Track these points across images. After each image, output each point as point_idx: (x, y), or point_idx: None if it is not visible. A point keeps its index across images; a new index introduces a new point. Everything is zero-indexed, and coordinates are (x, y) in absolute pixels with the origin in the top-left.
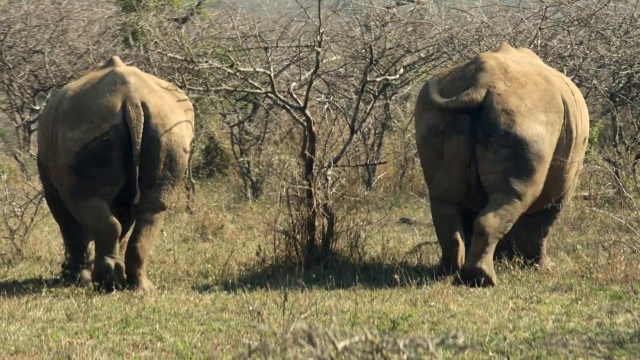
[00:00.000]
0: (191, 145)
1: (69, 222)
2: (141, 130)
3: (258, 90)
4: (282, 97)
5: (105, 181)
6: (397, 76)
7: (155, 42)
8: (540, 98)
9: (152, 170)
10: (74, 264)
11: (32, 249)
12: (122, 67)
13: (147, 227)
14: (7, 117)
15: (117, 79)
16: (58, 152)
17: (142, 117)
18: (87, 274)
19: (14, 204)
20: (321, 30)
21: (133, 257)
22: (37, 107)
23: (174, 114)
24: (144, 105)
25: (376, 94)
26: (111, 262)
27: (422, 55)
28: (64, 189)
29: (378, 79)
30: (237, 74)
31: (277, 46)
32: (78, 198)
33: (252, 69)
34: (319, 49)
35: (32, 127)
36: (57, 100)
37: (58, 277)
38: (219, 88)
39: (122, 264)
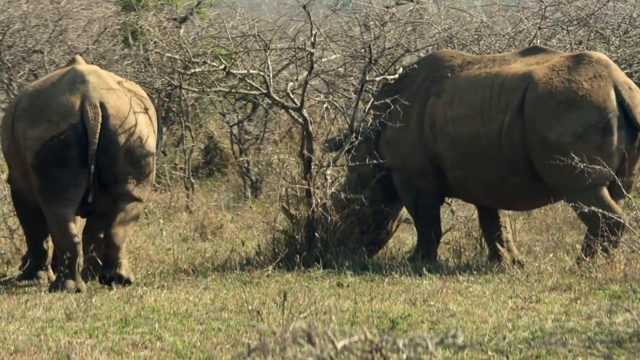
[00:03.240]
0: (157, 141)
1: (32, 226)
2: (98, 130)
3: (253, 92)
4: (277, 98)
5: (68, 183)
6: (397, 75)
7: (155, 42)
8: None
9: (113, 168)
10: (34, 266)
11: None
12: (82, 65)
13: (120, 215)
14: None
15: (77, 78)
16: (21, 151)
17: (100, 117)
18: (44, 275)
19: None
20: (314, 32)
21: (108, 243)
22: None
23: (133, 113)
24: (102, 105)
25: (375, 93)
26: (71, 285)
27: (422, 54)
28: (35, 189)
29: (377, 79)
30: (235, 74)
31: (270, 49)
32: (46, 200)
33: (245, 71)
34: (312, 50)
35: None
36: (17, 98)
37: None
38: (214, 89)
39: (82, 286)
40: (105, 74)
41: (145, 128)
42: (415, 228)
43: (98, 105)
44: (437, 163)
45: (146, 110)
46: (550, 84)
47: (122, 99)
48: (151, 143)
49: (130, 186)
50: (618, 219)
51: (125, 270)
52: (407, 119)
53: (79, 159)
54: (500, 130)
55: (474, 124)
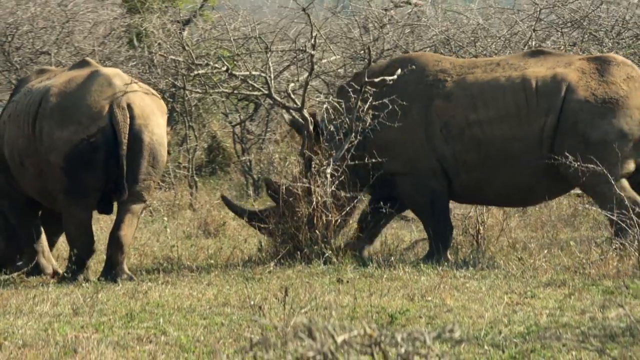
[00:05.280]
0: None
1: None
2: (127, 132)
3: (255, 92)
4: (278, 99)
5: (92, 185)
6: (395, 77)
7: (159, 44)
8: None
9: (136, 168)
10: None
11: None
12: (106, 68)
13: (129, 218)
14: None
15: (104, 81)
16: (43, 149)
17: (128, 119)
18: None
19: None
20: (315, 34)
21: (117, 245)
22: None
23: (154, 114)
24: (129, 106)
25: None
26: (80, 278)
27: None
28: (57, 189)
29: (376, 80)
30: (237, 75)
31: (272, 51)
32: (69, 201)
33: (247, 73)
34: (313, 52)
35: None
36: (36, 96)
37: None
38: (217, 90)
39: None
40: (127, 77)
41: (164, 129)
42: (426, 229)
43: (126, 107)
44: (444, 165)
45: (163, 112)
46: (589, 86)
47: (144, 100)
48: (166, 143)
49: (145, 186)
50: None
51: (127, 273)
52: (406, 122)
53: (105, 161)
54: (541, 133)
55: (509, 126)
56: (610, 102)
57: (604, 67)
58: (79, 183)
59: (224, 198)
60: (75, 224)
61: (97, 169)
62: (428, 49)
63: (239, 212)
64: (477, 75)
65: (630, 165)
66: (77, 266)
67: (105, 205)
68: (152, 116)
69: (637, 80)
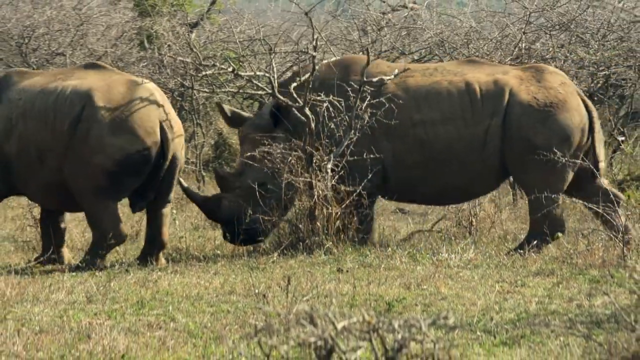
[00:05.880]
0: None
1: None
2: (172, 146)
3: (260, 92)
4: (282, 98)
5: (131, 188)
6: (392, 76)
7: (169, 46)
8: None
9: (172, 179)
10: None
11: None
12: (149, 82)
13: (166, 219)
14: None
15: (148, 94)
16: (89, 151)
17: (173, 136)
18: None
19: None
20: (316, 36)
21: (161, 244)
22: None
23: (180, 129)
24: (171, 124)
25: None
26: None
27: (416, 57)
28: (86, 186)
29: (374, 80)
30: (243, 76)
31: (275, 52)
32: (104, 197)
33: (252, 73)
34: (314, 54)
35: None
36: (72, 98)
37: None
38: (223, 90)
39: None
40: (161, 91)
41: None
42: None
43: (172, 125)
44: (384, 163)
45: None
46: (530, 90)
47: (177, 118)
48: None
49: (173, 192)
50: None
51: (164, 262)
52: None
53: (150, 169)
54: (485, 135)
55: (454, 128)
56: (552, 106)
57: (539, 75)
58: (118, 185)
59: (180, 184)
60: (108, 215)
61: (140, 177)
62: (424, 50)
63: (195, 198)
64: (417, 79)
65: (568, 174)
66: (105, 251)
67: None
68: (181, 130)
69: (571, 86)
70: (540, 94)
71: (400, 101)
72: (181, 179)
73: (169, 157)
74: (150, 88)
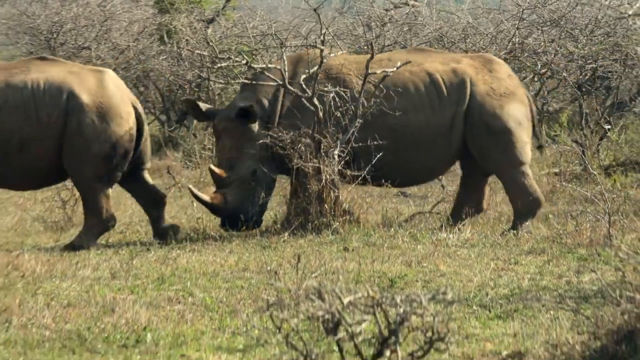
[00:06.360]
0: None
1: None
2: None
3: (271, 83)
4: (292, 89)
5: (124, 169)
6: (395, 69)
7: (187, 40)
8: None
9: (148, 146)
10: None
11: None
12: (101, 69)
13: (149, 179)
14: None
15: (118, 82)
16: (84, 141)
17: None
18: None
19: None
20: (324, 31)
21: (161, 199)
22: None
23: (139, 105)
24: (135, 101)
25: (377, 84)
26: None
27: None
28: (88, 175)
29: (378, 71)
30: (256, 68)
31: (286, 46)
32: (102, 185)
33: (265, 66)
34: (322, 47)
35: None
36: (52, 91)
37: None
38: (237, 81)
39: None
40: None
41: None
42: None
43: (136, 102)
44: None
45: None
46: (486, 80)
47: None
48: None
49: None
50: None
51: None
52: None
53: (134, 148)
54: (451, 121)
55: (424, 115)
56: (505, 95)
57: (489, 65)
58: (115, 168)
59: (190, 191)
60: (102, 198)
61: (130, 156)
62: (424, 44)
63: (203, 201)
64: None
65: (529, 151)
66: (102, 232)
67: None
68: (141, 108)
69: (515, 77)
70: (494, 84)
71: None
72: (191, 186)
73: (145, 132)
74: (111, 73)
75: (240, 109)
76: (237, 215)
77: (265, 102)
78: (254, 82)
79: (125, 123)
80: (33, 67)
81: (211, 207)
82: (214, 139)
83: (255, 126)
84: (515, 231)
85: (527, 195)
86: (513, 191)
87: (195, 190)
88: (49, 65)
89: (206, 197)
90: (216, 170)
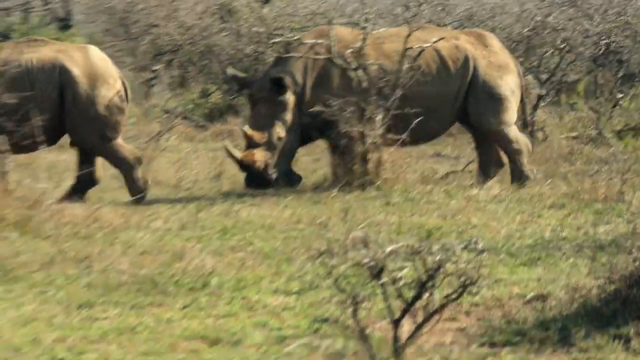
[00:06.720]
0: None
1: None
2: None
3: (320, 57)
4: (340, 61)
5: (124, 123)
6: (430, 44)
7: (245, 19)
8: None
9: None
10: None
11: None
12: (82, 45)
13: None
14: (133, 75)
15: (100, 54)
16: (82, 108)
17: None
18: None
19: (139, 140)
20: (366, 11)
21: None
22: (155, 68)
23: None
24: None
25: (415, 57)
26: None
27: (449, 29)
28: (94, 138)
29: (415, 46)
30: (306, 43)
31: (333, 24)
32: (112, 141)
33: (314, 41)
34: (365, 25)
35: (152, 82)
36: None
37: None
38: (290, 55)
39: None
40: None
41: None
42: None
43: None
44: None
45: None
46: (484, 54)
47: None
48: None
49: None
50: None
51: None
52: (344, 82)
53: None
54: (457, 92)
55: (435, 86)
56: (502, 67)
57: (483, 40)
58: (116, 125)
59: (225, 148)
60: (121, 148)
61: (124, 113)
62: (456, 22)
63: (234, 157)
64: (390, 46)
65: (515, 114)
66: (138, 171)
67: None
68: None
69: (505, 50)
70: (492, 58)
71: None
72: (227, 143)
73: (128, 98)
74: (94, 48)
75: (275, 79)
76: (261, 174)
77: (298, 76)
78: (305, 56)
79: (112, 88)
80: (25, 48)
81: (240, 164)
82: (250, 105)
83: (288, 96)
84: (521, 181)
85: (519, 145)
86: (508, 146)
87: (230, 147)
88: (41, 45)
89: (237, 155)
90: (248, 132)
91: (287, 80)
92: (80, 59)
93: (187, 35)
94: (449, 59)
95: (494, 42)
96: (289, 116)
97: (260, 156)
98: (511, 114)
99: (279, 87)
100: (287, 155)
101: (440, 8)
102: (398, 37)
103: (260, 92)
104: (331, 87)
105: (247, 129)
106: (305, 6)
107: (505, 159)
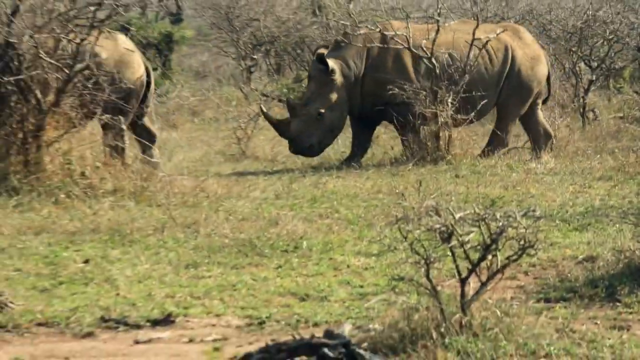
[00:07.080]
0: None
1: None
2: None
3: (399, 46)
4: (415, 50)
5: (134, 107)
6: (495, 35)
7: (333, 13)
8: None
9: (150, 99)
10: None
11: (252, 151)
12: (122, 34)
13: (151, 118)
14: (236, 63)
15: (129, 43)
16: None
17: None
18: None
19: (240, 120)
20: (439, 6)
21: (153, 136)
22: (255, 57)
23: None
24: (147, 61)
25: (482, 47)
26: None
27: (512, 21)
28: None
29: (482, 37)
30: (387, 34)
31: (410, 17)
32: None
33: (393, 32)
34: (438, 18)
35: (252, 69)
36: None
37: (269, 169)
38: (373, 45)
39: None
40: None
41: None
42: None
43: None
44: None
45: None
46: (519, 46)
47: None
48: None
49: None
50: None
51: None
52: (401, 65)
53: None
54: (499, 78)
55: (482, 71)
56: (534, 58)
57: (518, 33)
58: (133, 106)
59: (261, 109)
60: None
61: (140, 98)
62: (517, 15)
63: (271, 120)
64: (442, 37)
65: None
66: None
67: None
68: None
69: (536, 42)
70: (526, 49)
71: (440, 53)
72: (262, 105)
73: (152, 84)
74: (125, 39)
75: (318, 55)
76: (297, 141)
77: (351, 62)
78: (386, 45)
79: (138, 71)
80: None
81: (276, 127)
82: (307, 80)
83: (336, 77)
84: (538, 156)
85: (541, 126)
86: (532, 126)
87: (265, 110)
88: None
89: (274, 119)
90: (292, 102)
91: (332, 62)
92: (110, 45)
93: (282, 28)
94: (492, 49)
95: (527, 35)
96: (333, 95)
97: (294, 125)
98: (532, 100)
99: (326, 66)
100: (332, 130)
101: (504, 3)
102: (446, 30)
103: (313, 71)
104: (386, 72)
105: (291, 99)
106: (386, 2)
107: (551, 130)
